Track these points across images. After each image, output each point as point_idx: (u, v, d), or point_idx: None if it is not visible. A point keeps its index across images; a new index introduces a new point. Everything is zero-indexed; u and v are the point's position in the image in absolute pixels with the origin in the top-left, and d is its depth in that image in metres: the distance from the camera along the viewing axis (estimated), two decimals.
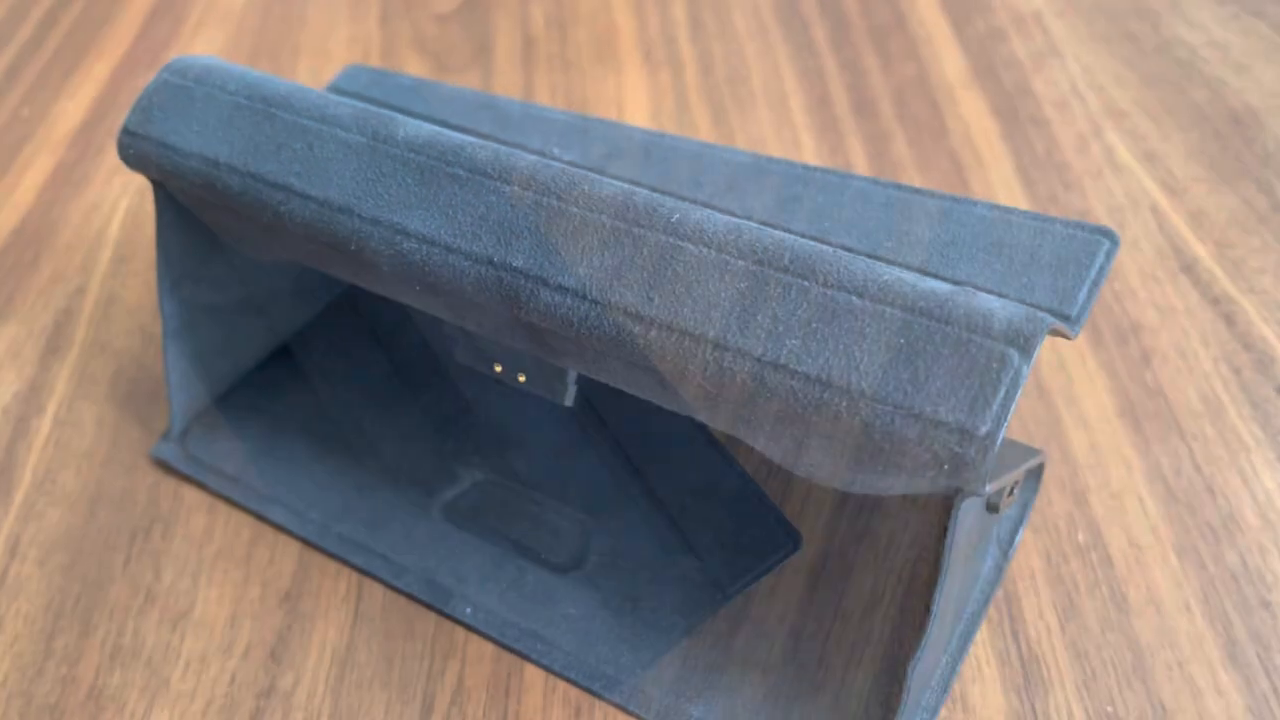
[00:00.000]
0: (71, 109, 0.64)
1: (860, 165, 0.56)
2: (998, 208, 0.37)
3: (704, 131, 0.59)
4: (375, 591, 0.40)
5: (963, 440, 0.27)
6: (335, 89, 0.46)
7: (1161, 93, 0.60)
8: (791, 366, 0.29)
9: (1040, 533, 0.40)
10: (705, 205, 0.39)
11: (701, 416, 0.32)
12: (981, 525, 0.35)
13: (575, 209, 0.33)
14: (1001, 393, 0.27)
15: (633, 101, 0.62)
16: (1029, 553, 0.39)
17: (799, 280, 0.30)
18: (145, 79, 0.66)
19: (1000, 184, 0.55)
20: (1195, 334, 0.47)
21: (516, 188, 0.33)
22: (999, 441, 0.27)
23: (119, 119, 0.63)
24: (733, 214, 0.38)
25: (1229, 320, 0.47)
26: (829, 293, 0.29)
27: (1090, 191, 0.54)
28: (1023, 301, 0.34)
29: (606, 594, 0.39)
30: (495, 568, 0.40)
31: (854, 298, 0.29)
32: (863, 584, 0.38)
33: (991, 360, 0.27)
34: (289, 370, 0.47)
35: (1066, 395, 0.45)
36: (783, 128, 0.59)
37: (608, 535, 0.40)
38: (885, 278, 0.29)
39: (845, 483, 0.30)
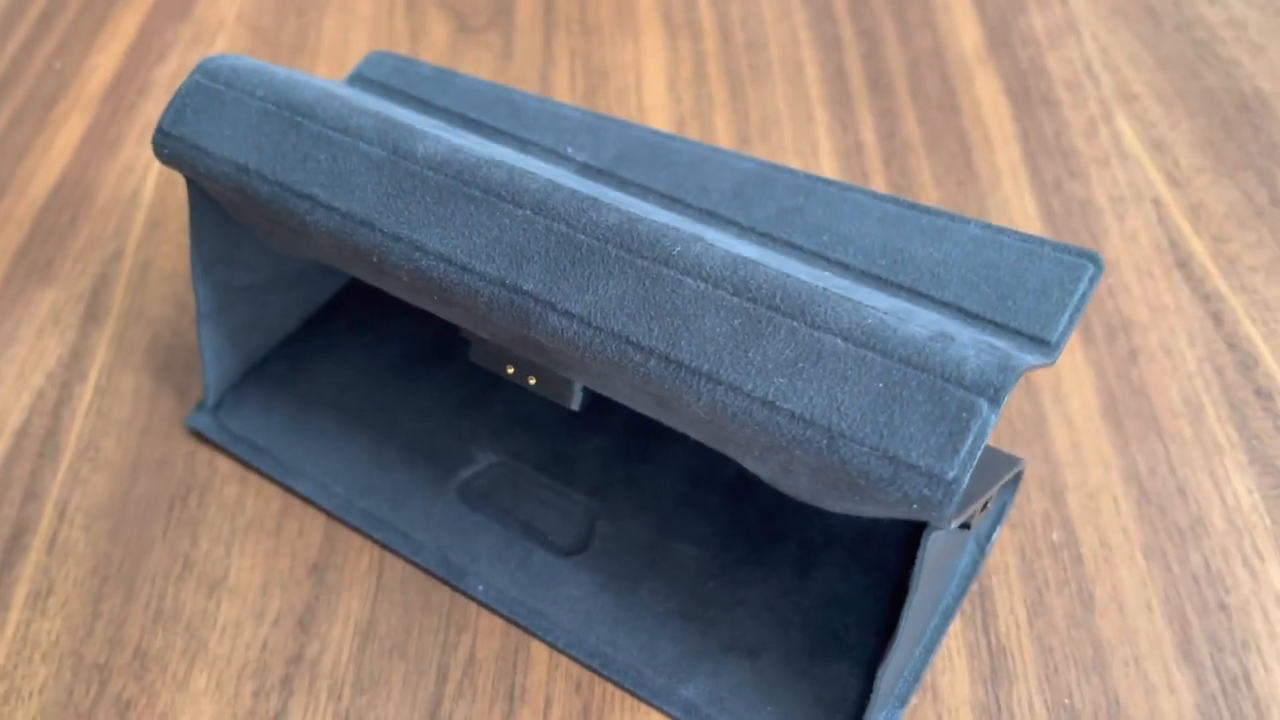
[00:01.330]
0: (103, 63, 0.66)
1: (870, 145, 0.57)
2: (989, 227, 0.38)
3: (719, 103, 0.61)
4: (395, 565, 0.43)
5: (931, 483, 0.29)
6: (359, 76, 0.48)
7: (1175, 75, 0.60)
8: (778, 403, 0.31)
9: (1017, 529, 0.43)
10: (711, 213, 0.40)
11: (696, 436, 0.35)
12: (955, 539, 0.37)
13: (583, 237, 0.35)
14: (969, 441, 0.29)
15: (650, 68, 0.63)
16: (1005, 549, 0.42)
17: (788, 320, 0.32)
18: (173, 32, 0.68)
19: (1006, 169, 0.56)
20: (1183, 332, 0.49)
21: (528, 211, 0.35)
22: (964, 485, 0.29)
23: (149, 75, 0.65)
24: (738, 223, 0.40)
25: (1217, 319, 0.49)
26: (816, 334, 0.31)
27: (1095, 180, 0.55)
28: (1006, 326, 0.36)
29: (607, 577, 0.42)
30: (505, 548, 0.43)
31: (839, 340, 0.31)
32: (849, 575, 0.41)
33: (962, 409, 0.30)
34: (317, 343, 0.50)
35: (1054, 392, 0.47)
36: (797, 101, 0.60)
37: (611, 520, 0.43)
38: (869, 321, 0.31)
39: (826, 505, 0.33)
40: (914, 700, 0.39)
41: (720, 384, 0.32)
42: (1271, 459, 0.44)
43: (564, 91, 0.62)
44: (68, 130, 0.62)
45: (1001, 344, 0.34)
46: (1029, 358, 0.32)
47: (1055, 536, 0.42)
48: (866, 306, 0.32)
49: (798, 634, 0.40)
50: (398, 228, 0.37)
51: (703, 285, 0.33)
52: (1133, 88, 0.60)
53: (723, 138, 0.59)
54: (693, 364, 0.32)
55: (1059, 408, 0.46)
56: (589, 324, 0.34)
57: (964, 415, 0.30)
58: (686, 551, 0.42)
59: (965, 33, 0.64)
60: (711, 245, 0.34)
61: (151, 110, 0.63)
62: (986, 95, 0.60)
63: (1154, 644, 0.39)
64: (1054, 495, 0.43)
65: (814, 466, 0.32)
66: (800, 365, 0.31)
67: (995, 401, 0.30)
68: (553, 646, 0.41)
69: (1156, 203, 0.54)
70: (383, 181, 0.37)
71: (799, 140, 0.58)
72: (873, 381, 0.31)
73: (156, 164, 0.60)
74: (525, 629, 0.41)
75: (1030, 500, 0.43)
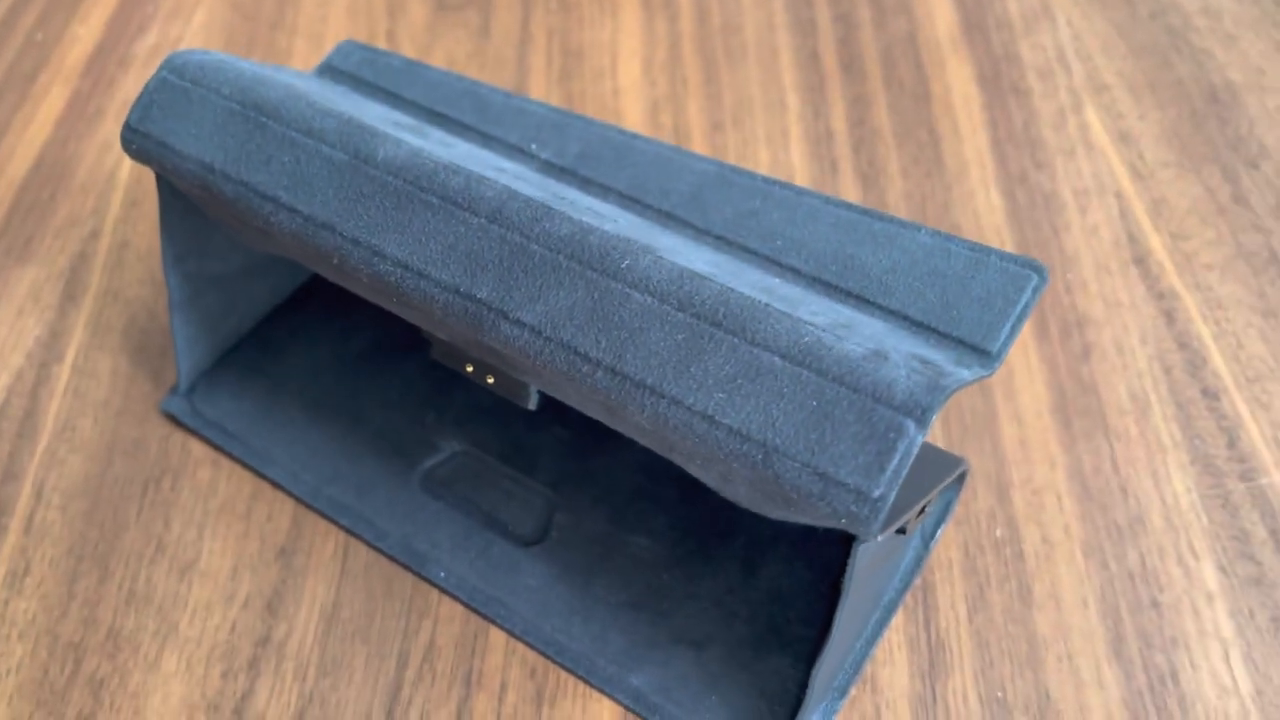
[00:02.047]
0: (83, 34, 0.66)
1: (840, 133, 0.58)
2: (939, 235, 0.39)
3: (693, 87, 0.61)
4: (360, 551, 0.45)
5: (858, 500, 0.31)
6: (329, 67, 0.48)
7: (1147, 64, 0.61)
8: (717, 418, 0.32)
9: (963, 525, 0.44)
10: (669, 215, 0.41)
11: (643, 443, 0.36)
12: (891, 544, 0.39)
13: (536, 247, 0.35)
14: (895, 460, 0.31)
15: (627, 49, 0.63)
16: (949, 545, 0.44)
17: (730, 337, 0.33)
18: (153, 4, 0.68)
19: (974, 159, 0.57)
20: (1136, 330, 0.50)
21: (484, 220, 0.36)
22: (890, 502, 0.31)
23: (129, 48, 0.65)
24: (694, 226, 0.41)
25: (1170, 317, 0.50)
26: (755, 351, 0.32)
27: (1060, 172, 0.56)
28: (949, 335, 0.37)
29: (564, 568, 0.43)
30: (466, 537, 0.44)
31: (776, 358, 0.32)
32: (793, 572, 0.43)
33: (890, 429, 0.31)
34: (288, 329, 0.51)
35: (1006, 388, 0.48)
36: (770, 86, 0.61)
37: (569, 511, 0.45)
38: (806, 339, 0.32)
39: (764, 513, 0.34)
40: (854, 692, 0.40)
41: (663, 397, 0.33)
42: (1212, 459, 0.45)
43: (540, 71, 0.63)
44: (48, 104, 0.63)
45: (940, 356, 0.35)
46: (964, 373, 0.33)
47: (999, 533, 0.44)
48: (805, 324, 0.33)
49: (743, 627, 0.41)
50: (358, 232, 0.38)
51: (649, 300, 0.34)
52: (1104, 77, 0.60)
53: (695, 123, 0.59)
54: (637, 377, 0.33)
55: (1010, 404, 0.47)
56: (539, 334, 0.35)
57: (891, 435, 0.31)
58: (641, 544, 0.44)
59: (941, 16, 0.64)
60: (660, 259, 0.35)
61: (130, 85, 0.63)
62: (958, 83, 0.60)
63: (1087, 640, 0.41)
64: (1000, 492, 0.45)
65: (750, 479, 0.33)
66: (739, 381, 0.32)
67: (922, 422, 0.31)
68: (510, 633, 0.42)
69: (1119, 196, 0.55)
70: (344, 185, 0.38)
71: (770, 127, 0.59)
72: (807, 399, 0.32)
73: None
74: (484, 616, 0.43)
75: (976, 497, 0.45)
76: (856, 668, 0.40)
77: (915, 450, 0.31)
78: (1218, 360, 0.48)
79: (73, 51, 0.65)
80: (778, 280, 0.38)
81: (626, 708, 0.40)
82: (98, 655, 0.42)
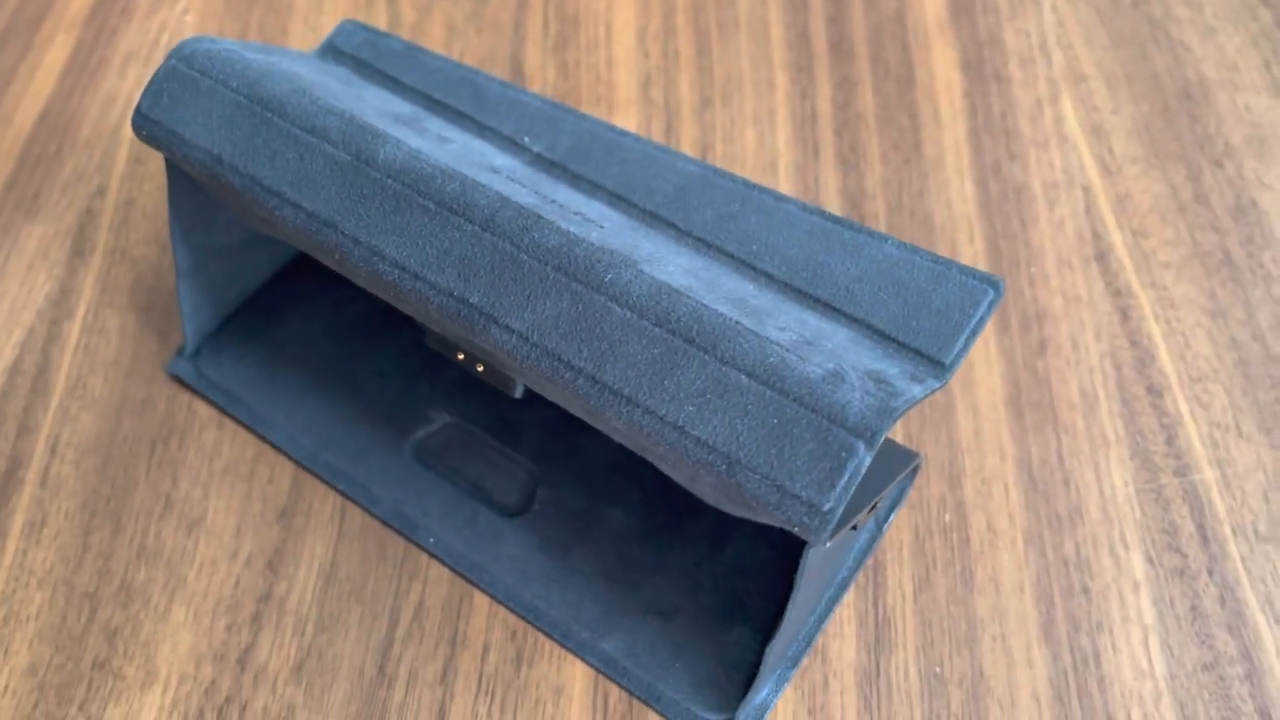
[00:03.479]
0: None
1: (825, 115, 0.60)
2: (904, 247, 0.42)
3: (685, 60, 0.63)
4: (355, 514, 0.48)
5: (810, 513, 0.34)
6: (330, 46, 0.50)
7: (1125, 55, 0.62)
8: (686, 429, 0.35)
9: (915, 510, 0.48)
10: (654, 215, 0.44)
11: (617, 440, 0.39)
12: (844, 536, 0.42)
13: (525, 257, 0.38)
14: (845, 478, 0.34)
15: (620, 19, 0.65)
16: (902, 528, 0.47)
17: (701, 354, 0.36)
18: None
19: (951, 147, 0.59)
20: (1091, 326, 0.52)
21: (477, 227, 0.39)
22: (839, 514, 0.34)
23: None
24: (676, 226, 0.44)
25: (1124, 314, 0.53)
26: (724, 369, 0.35)
27: (1032, 164, 0.58)
28: (907, 346, 0.40)
29: (544, 539, 0.47)
30: (454, 505, 0.47)
31: (743, 376, 0.35)
32: (756, 549, 0.46)
33: (842, 449, 0.34)
34: (289, 295, 0.54)
35: (965, 379, 0.51)
36: (760, 63, 0.62)
37: (551, 486, 0.48)
38: (771, 360, 0.35)
39: (726, 510, 0.38)
40: (806, 662, 0.44)
41: (638, 407, 0.36)
42: (1150, 454, 0.49)
43: (536, 39, 0.64)
44: (53, 54, 0.64)
45: (896, 370, 0.38)
46: (915, 390, 0.36)
47: (948, 519, 0.47)
48: (772, 344, 0.36)
49: (707, 599, 0.45)
50: (358, 231, 0.40)
51: (629, 314, 0.37)
52: (1083, 67, 0.62)
53: (685, 100, 0.61)
54: (615, 386, 0.36)
55: (968, 395, 0.50)
56: (526, 340, 0.38)
57: (843, 454, 0.34)
58: (616, 517, 0.47)
59: None
60: (641, 273, 0.38)
61: (133, 37, 0.65)
62: (942, 68, 0.62)
63: (1020, 622, 0.45)
64: (951, 480, 0.48)
65: (714, 484, 0.36)
66: (709, 396, 0.35)
67: (871, 444, 0.34)
68: (493, 598, 0.46)
69: (1086, 191, 0.57)
70: (346, 185, 0.41)
71: (758, 106, 0.61)
72: (769, 416, 0.35)
73: (138, 95, 0.62)
74: (470, 581, 0.46)
75: (930, 484, 0.48)
76: (809, 640, 0.44)
77: (864, 469, 0.34)
78: (1165, 358, 0.51)
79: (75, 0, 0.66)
80: (752, 287, 0.41)
81: (598, 670, 0.44)
82: (112, 605, 0.46)
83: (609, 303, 0.37)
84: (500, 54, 0.63)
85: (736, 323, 0.36)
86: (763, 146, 0.59)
